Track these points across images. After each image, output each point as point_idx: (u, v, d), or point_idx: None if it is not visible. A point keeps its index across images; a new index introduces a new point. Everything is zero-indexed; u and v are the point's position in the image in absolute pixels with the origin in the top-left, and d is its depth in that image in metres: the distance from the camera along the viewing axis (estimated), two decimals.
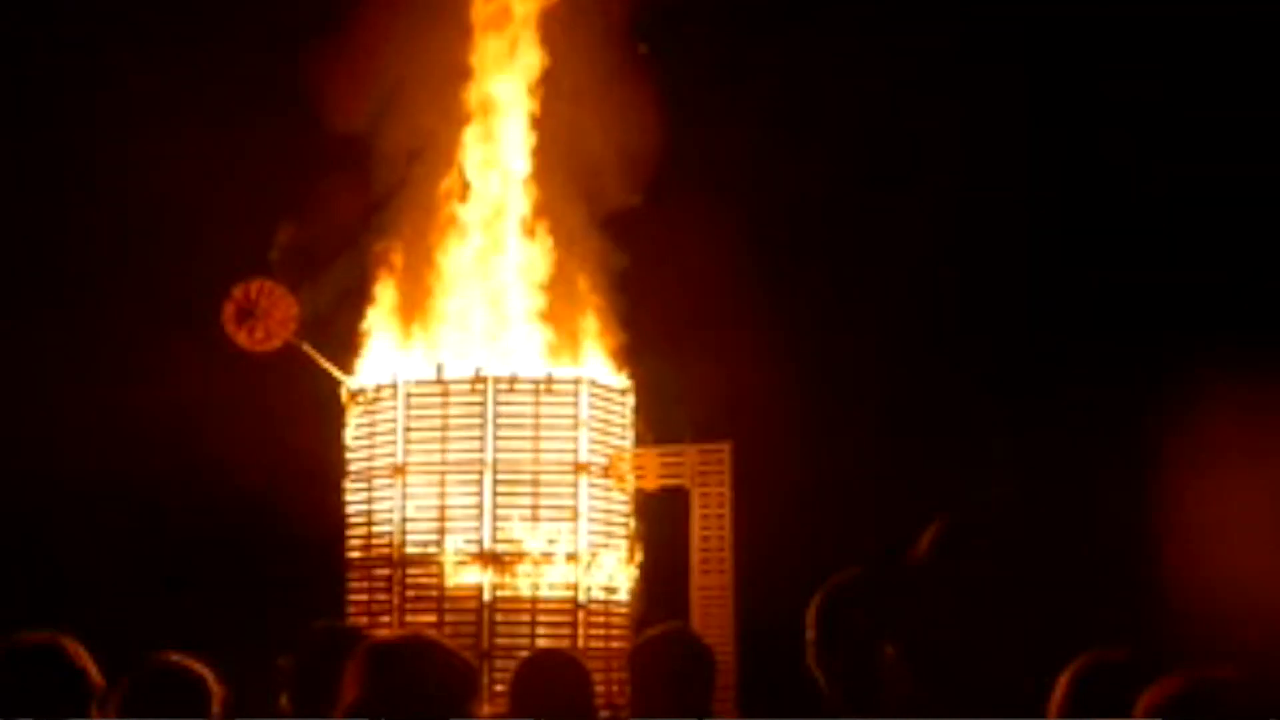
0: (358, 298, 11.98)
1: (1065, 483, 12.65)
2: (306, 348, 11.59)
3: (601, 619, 11.23)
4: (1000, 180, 13.54)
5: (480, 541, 11.01)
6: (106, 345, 13.42)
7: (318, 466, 11.73)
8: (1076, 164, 13.71)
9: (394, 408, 11.29)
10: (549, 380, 11.30)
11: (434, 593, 11.04)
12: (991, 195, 13.54)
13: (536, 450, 11.18)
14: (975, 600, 3.40)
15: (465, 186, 12.06)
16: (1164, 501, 12.03)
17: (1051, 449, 13.02)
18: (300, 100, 11.74)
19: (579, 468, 11.21)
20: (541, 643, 10.83)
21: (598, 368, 11.72)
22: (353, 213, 11.79)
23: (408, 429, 11.23)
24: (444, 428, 11.21)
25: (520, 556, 11.01)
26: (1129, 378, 12.94)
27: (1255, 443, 11.65)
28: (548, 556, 11.04)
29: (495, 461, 11.09)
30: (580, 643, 10.94)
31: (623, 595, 11.39)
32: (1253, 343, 11.91)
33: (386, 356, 11.75)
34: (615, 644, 11.19)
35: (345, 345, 11.84)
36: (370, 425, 11.48)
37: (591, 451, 11.29)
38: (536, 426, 11.20)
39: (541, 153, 12.04)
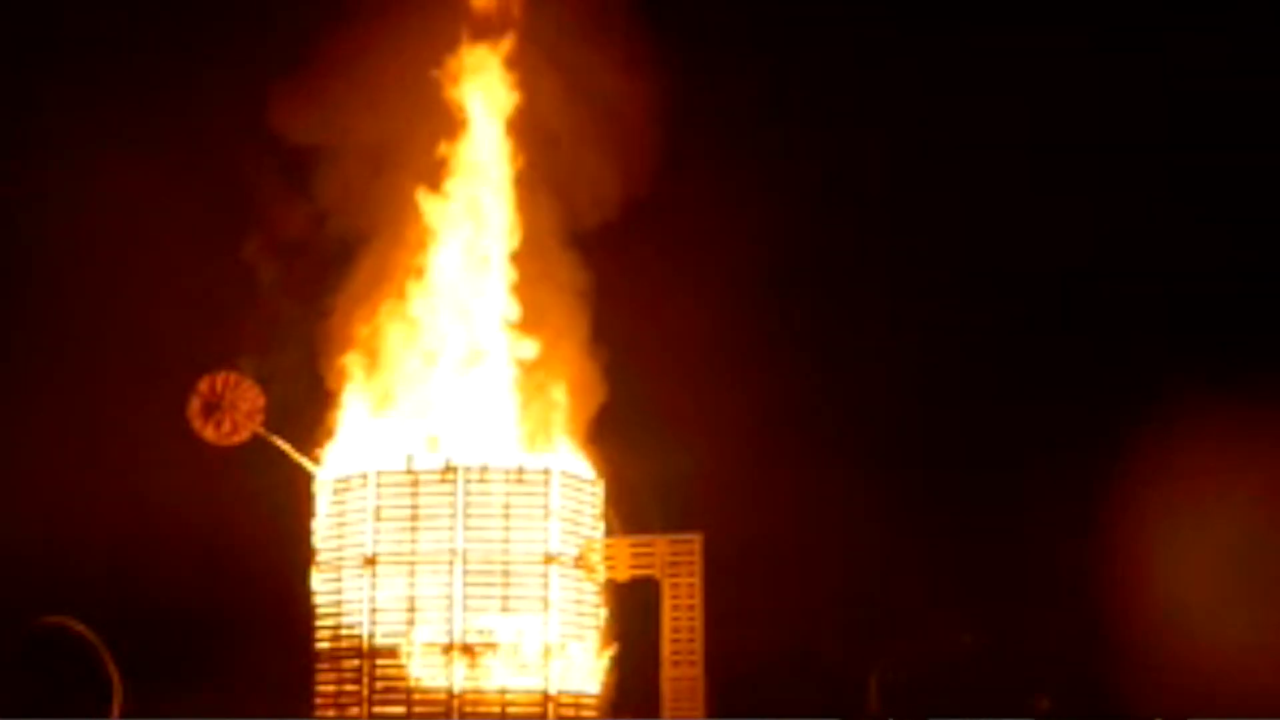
0: (326, 387, 11.94)
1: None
2: (275, 439, 11.53)
3: (572, 710, 11.14)
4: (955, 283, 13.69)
5: (450, 632, 10.94)
6: (67, 436, 13.31)
7: (285, 556, 11.63)
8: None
9: (364, 498, 11.24)
10: (520, 470, 11.27)
11: (403, 684, 10.95)
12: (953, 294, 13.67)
13: (507, 540, 11.14)
14: None
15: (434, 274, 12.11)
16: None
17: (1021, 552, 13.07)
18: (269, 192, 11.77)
19: (550, 558, 11.17)
20: None
21: (569, 458, 11.69)
22: (317, 296, 11.79)
23: (377, 519, 11.18)
24: (414, 517, 11.16)
25: (490, 647, 10.93)
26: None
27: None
28: (518, 647, 10.96)
29: (465, 551, 11.04)
30: None
31: (593, 686, 11.30)
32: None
33: (356, 446, 11.70)
34: None
35: (314, 435, 11.79)
36: (339, 515, 11.41)
37: (562, 542, 11.25)
38: (507, 516, 11.17)
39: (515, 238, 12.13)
